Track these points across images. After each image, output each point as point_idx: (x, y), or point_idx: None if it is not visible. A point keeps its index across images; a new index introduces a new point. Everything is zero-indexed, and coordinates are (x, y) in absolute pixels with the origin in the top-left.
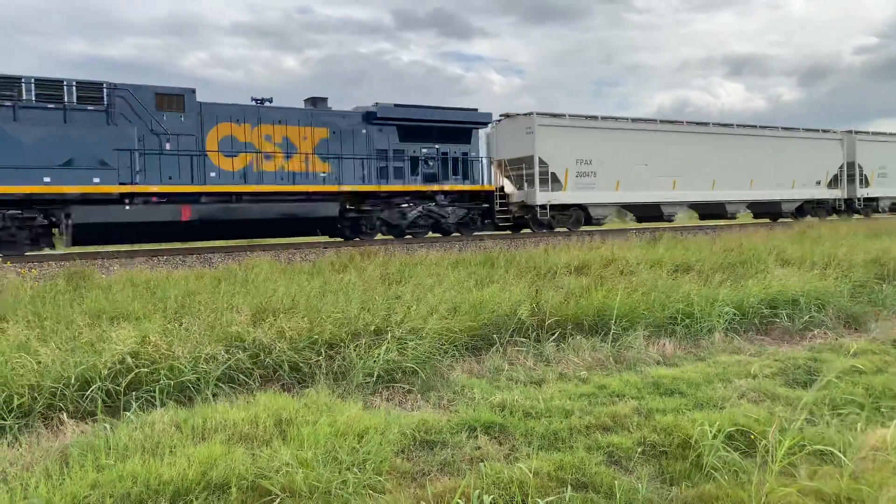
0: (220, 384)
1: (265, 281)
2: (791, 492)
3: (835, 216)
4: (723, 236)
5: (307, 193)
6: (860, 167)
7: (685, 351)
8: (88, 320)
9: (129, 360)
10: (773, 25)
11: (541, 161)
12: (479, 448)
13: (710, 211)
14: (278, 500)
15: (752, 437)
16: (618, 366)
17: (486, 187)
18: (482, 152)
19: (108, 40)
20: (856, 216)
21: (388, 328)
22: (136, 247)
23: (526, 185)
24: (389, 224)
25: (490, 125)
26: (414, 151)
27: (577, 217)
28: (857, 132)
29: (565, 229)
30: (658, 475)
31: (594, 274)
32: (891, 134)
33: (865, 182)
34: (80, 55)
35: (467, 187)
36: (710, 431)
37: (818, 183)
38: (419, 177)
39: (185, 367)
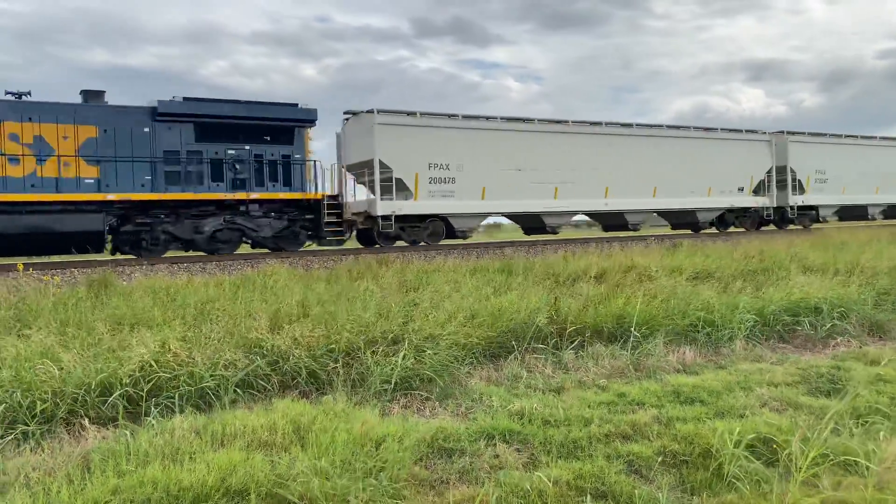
0: (239, 390)
1: (283, 288)
2: (815, 502)
3: (772, 227)
4: (743, 243)
5: (65, 203)
6: (793, 171)
7: (705, 359)
8: (109, 327)
9: (151, 365)
10: (795, 30)
11: (383, 165)
12: (498, 456)
13: (610, 222)
14: None
15: (775, 446)
16: (637, 374)
17: (310, 195)
18: (315, 154)
19: (130, 50)
20: (791, 227)
21: (406, 335)
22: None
23: (368, 192)
24: (182, 239)
25: (342, 122)
26: (216, 153)
27: (436, 229)
28: (789, 132)
29: (423, 243)
30: (679, 484)
31: (613, 281)
32: (832, 135)
33: (799, 188)
34: (103, 64)
35: (284, 195)
36: (732, 440)
37: (740, 190)
38: (225, 183)
39: (205, 374)
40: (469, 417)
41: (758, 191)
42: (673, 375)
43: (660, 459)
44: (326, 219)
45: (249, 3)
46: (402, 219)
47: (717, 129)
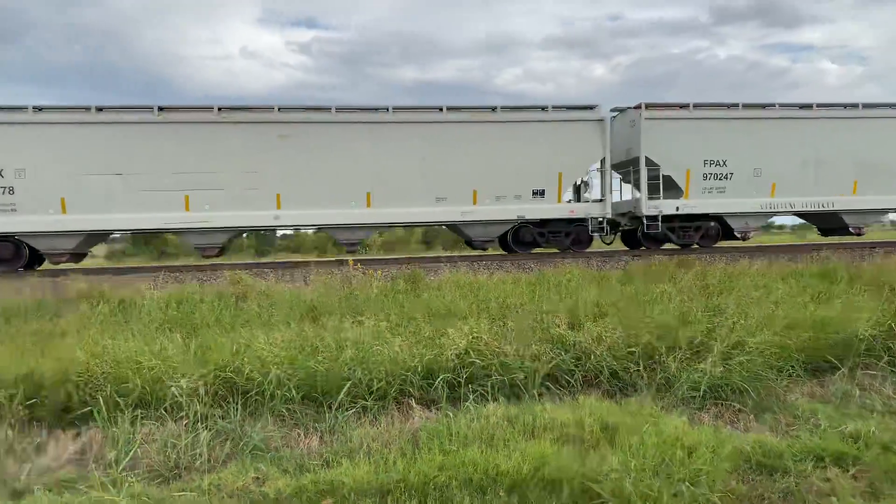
0: (544, 384)
1: (577, 287)
2: None
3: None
4: None
5: None
6: (652, 164)
7: None
8: (425, 316)
9: (467, 353)
10: None
11: None
12: (829, 480)
13: (339, 237)
14: None
15: None
16: None
17: None
18: None
19: (435, 65)
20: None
21: (712, 342)
22: (457, 251)
23: None
24: None
25: None
26: None
27: (2, 255)
28: (648, 105)
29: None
30: None
31: None
32: (746, 105)
33: (671, 189)
34: (412, 81)
35: None
36: None
37: (538, 194)
38: None
39: (514, 365)
40: (791, 435)
41: (577, 195)
42: None
43: None
44: None
45: (543, 9)
46: None
47: (495, 107)
